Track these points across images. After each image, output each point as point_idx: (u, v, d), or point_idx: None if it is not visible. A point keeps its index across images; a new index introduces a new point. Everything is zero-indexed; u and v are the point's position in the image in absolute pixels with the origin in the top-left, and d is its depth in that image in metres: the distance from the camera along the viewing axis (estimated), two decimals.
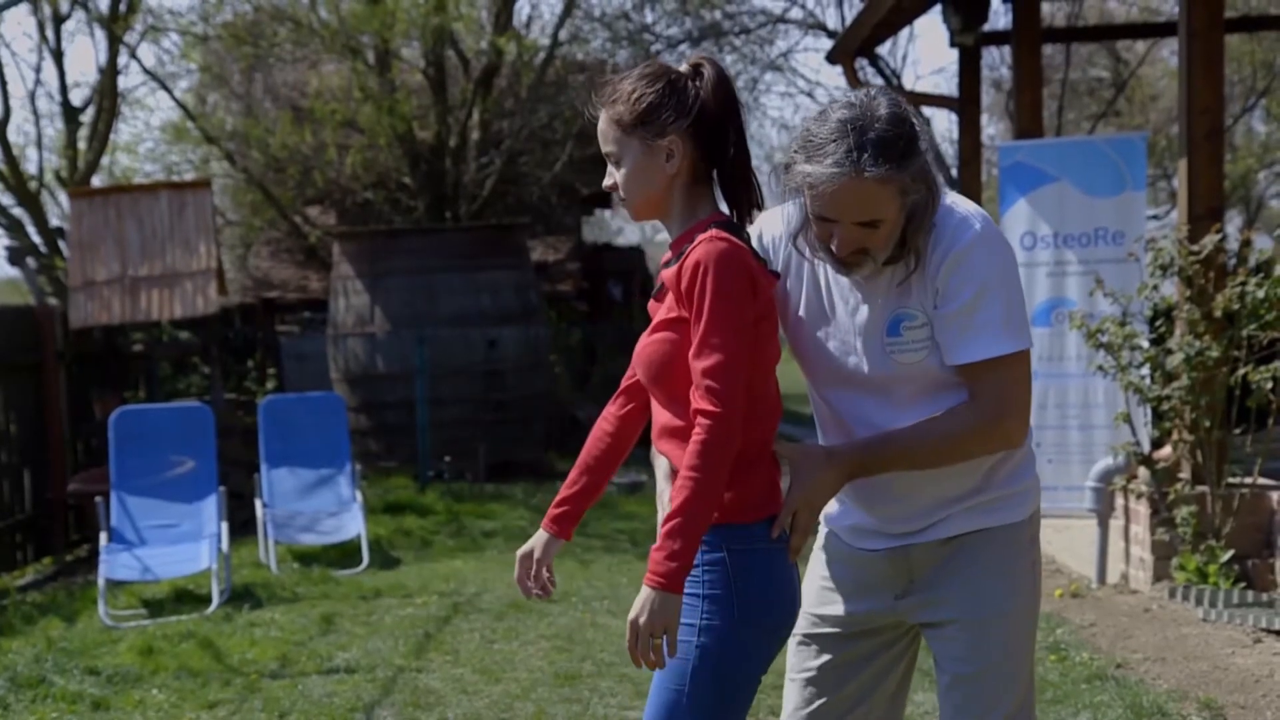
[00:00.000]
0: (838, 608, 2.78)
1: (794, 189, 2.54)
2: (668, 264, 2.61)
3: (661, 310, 2.59)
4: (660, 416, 2.63)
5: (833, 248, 2.53)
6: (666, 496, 2.69)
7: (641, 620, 2.42)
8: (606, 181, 2.66)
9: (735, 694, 2.55)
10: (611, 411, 2.85)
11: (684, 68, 2.61)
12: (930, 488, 2.65)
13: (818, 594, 2.83)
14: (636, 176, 2.59)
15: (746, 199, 2.60)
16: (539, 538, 2.83)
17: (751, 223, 2.64)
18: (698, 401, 2.45)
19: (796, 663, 2.83)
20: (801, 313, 2.71)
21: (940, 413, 2.59)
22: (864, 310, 2.63)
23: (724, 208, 2.64)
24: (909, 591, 2.72)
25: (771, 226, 2.73)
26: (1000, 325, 2.54)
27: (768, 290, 2.56)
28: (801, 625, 2.83)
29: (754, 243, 2.64)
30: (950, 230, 2.55)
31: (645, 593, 2.43)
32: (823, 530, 2.88)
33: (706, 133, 2.57)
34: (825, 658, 2.79)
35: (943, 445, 2.58)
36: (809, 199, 2.51)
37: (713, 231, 2.51)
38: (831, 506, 2.83)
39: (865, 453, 2.62)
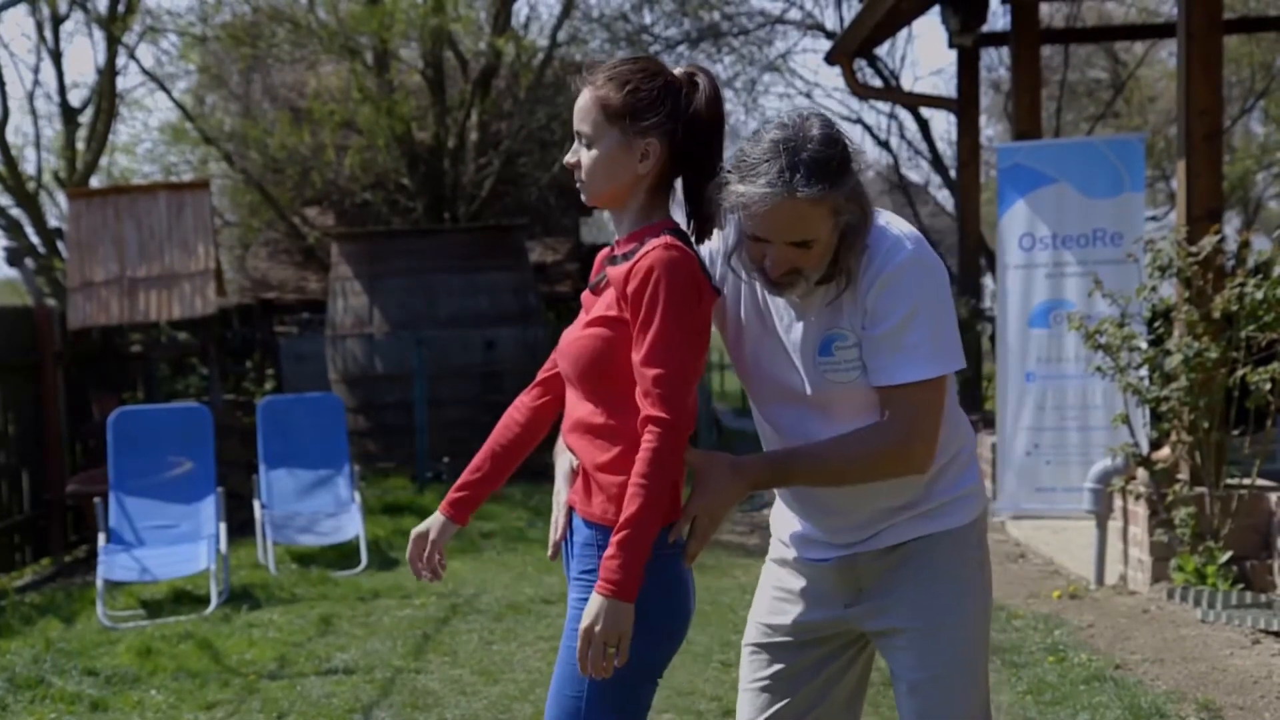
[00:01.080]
0: (789, 617, 2.80)
1: (728, 209, 2.53)
2: (612, 259, 2.59)
3: (599, 305, 2.57)
4: (578, 410, 2.61)
5: (766, 267, 2.53)
6: (564, 497, 2.68)
7: (597, 628, 2.42)
8: (569, 158, 2.62)
9: (633, 698, 2.57)
10: (525, 402, 2.83)
11: (678, 72, 2.58)
12: (871, 500, 2.66)
13: (769, 604, 2.84)
14: (605, 165, 2.56)
15: (710, 217, 2.58)
16: (434, 520, 2.82)
17: (709, 239, 2.63)
18: (648, 408, 2.45)
19: (749, 673, 2.84)
20: (741, 330, 2.71)
21: (854, 430, 2.59)
22: (797, 329, 2.63)
23: (677, 216, 2.62)
24: (858, 600, 2.73)
25: (710, 240, 2.72)
26: (928, 350, 2.53)
27: (709, 304, 2.56)
28: (753, 635, 2.85)
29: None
30: (883, 252, 2.54)
31: (598, 601, 2.42)
32: (772, 541, 2.90)
33: (687, 143, 2.55)
34: (777, 666, 2.80)
35: (849, 464, 2.58)
36: (743, 218, 2.50)
37: (667, 239, 2.50)
38: (781, 518, 2.85)
39: (771, 466, 2.62)
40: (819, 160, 2.43)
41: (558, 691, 2.58)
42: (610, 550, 2.43)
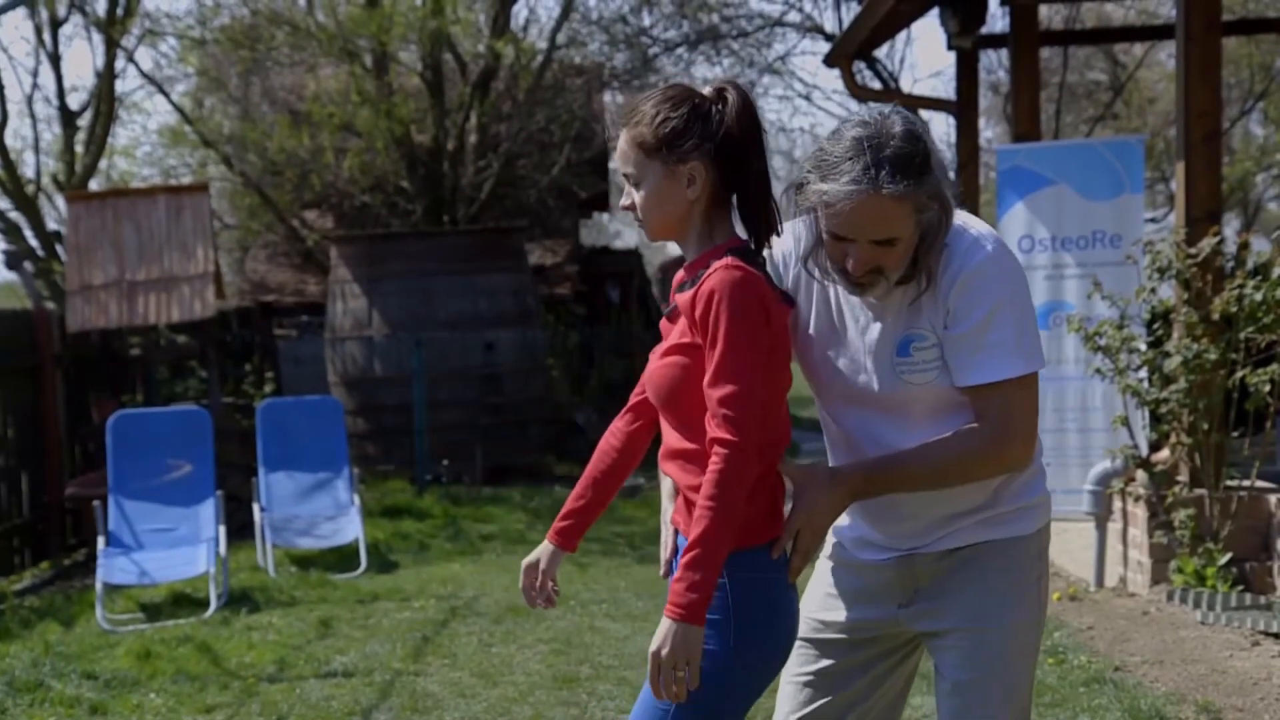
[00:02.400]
0: (841, 614, 2.78)
1: (808, 208, 2.52)
2: (681, 286, 2.59)
3: (674, 333, 2.58)
4: (668, 437, 2.63)
5: (848, 267, 2.52)
6: (669, 514, 2.71)
7: (664, 652, 2.41)
8: (624, 201, 2.64)
9: (723, 718, 2.55)
10: (619, 427, 2.85)
11: (707, 91, 2.58)
12: (938, 506, 2.65)
13: (821, 600, 2.83)
14: (656, 200, 2.57)
15: (765, 225, 2.58)
16: (544, 549, 2.83)
17: (769, 248, 2.63)
18: (714, 430, 2.44)
19: (795, 666, 2.82)
20: (811, 331, 2.70)
21: (946, 434, 2.58)
22: (875, 329, 2.62)
23: (741, 231, 2.62)
24: (913, 601, 2.72)
25: (782, 242, 2.71)
26: (1011, 347, 2.53)
27: (781, 319, 2.55)
28: (803, 629, 2.82)
29: (768, 264, 2.63)
30: (962, 251, 2.54)
31: (666, 624, 2.41)
32: (830, 539, 2.88)
33: (728, 159, 2.55)
34: (825, 663, 2.78)
35: (948, 467, 2.58)
36: (825, 217, 2.49)
37: (728, 259, 2.49)
38: (839, 518, 2.83)
39: (870, 473, 2.61)
40: (903, 157, 2.43)
41: (646, 705, 2.56)
42: (678, 574, 2.42)
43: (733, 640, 2.48)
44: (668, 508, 2.72)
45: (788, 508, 2.61)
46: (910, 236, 2.49)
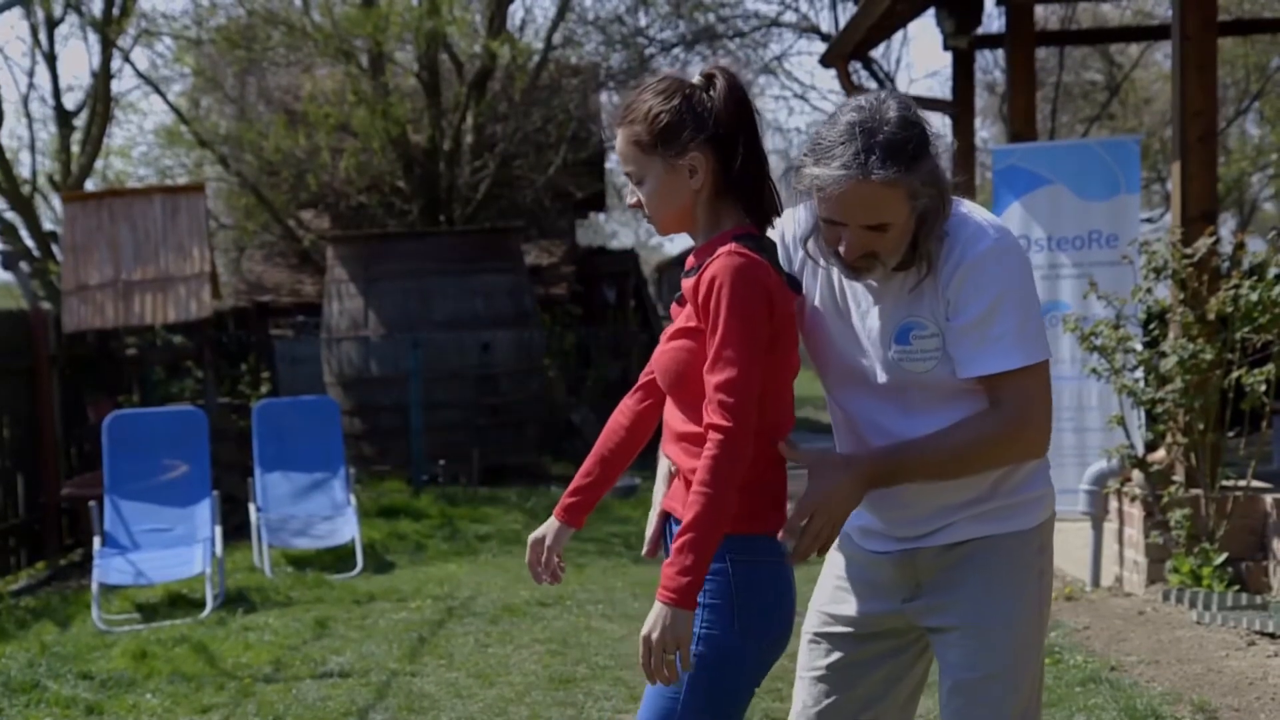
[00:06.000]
0: (849, 607, 2.78)
1: (803, 191, 2.52)
2: (688, 272, 2.61)
3: (681, 318, 2.60)
4: (673, 420, 2.64)
5: (840, 251, 2.51)
6: (660, 494, 2.72)
7: (654, 636, 2.42)
8: (629, 199, 2.65)
9: (729, 704, 2.56)
10: (629, 405, 2.86)
11: (697, 79, 2.59)
12: (936, 495, 2.63)
13: (831, 592, 2.82)
14: (661, 195, 2.59)
15: (762, 206, 2.59)
16: (550, 525, 2.85)
17: (772, 228, 2.63)
18: (710, 416, 2.45)
19: (807, 660, 2.82)
20: (816, 314, 2.70)
21: (961, 420, 2.56)
22: (874, 314, 2.61)
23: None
24: (917, 595, 2.71)
25: (790, 225, 2.72)
26: (1015, 338, 2.52)
27: (786, 306, 2.55)
28: (814, 623, 2.83)
29: (779, 245, 2.63)
30: (964, 240, 2.53)
31: (658, 608, 2.42)
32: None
33: (724, 144, 2.56)
34: (836, 656, 2.78)
35: (964, 454, 2.56)
36: (817, 202, 2.49)
37: (731, 246, 2.50)
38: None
39: (884, 460, 2.59)
40: (895, 143, 2.42)
41: (654, 692, 2.57)
42: (670, 558, 2.43)
43: (735, 625, 2.50)
44: (660, 490, 2.73)
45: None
46: (904, 222, 2.47)
